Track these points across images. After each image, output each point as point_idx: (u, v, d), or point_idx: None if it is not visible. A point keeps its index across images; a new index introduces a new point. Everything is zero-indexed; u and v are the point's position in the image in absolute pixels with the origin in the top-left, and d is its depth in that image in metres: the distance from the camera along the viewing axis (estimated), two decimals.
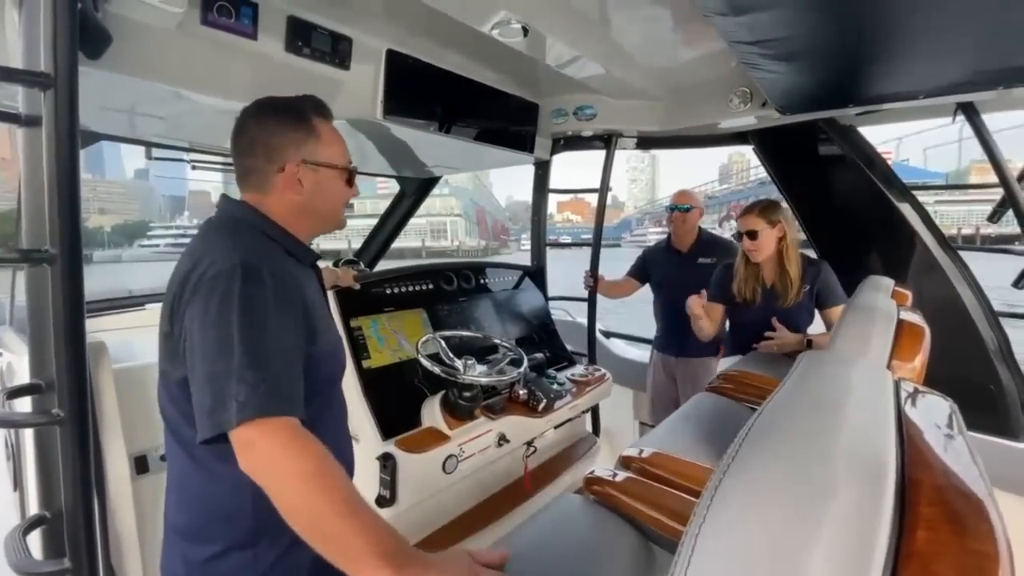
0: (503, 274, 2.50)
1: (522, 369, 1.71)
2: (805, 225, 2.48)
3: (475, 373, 1.55)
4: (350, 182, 1.02)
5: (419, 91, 1.76)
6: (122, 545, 1.22)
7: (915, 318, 0.83)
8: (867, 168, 2.17)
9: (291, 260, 0.93)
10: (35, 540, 0.96)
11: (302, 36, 1.41)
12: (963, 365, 1.88)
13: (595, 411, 2.60)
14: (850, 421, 0.38)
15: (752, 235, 1.99)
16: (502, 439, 1.73)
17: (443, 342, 1.71)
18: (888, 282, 1.44)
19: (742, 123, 2.23)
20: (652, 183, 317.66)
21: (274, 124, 0.92)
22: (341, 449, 1.01)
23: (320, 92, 1.57)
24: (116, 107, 1.63)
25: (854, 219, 2.31)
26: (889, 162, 2.28)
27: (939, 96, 1.61)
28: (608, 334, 3.59)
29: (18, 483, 1.24)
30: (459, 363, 1.57)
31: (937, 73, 1.47)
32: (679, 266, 2.56)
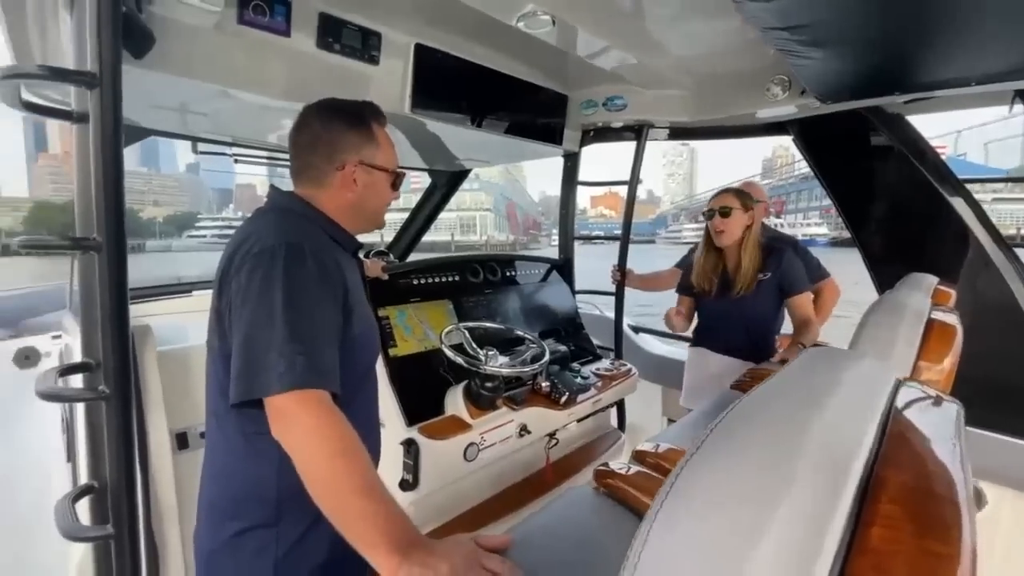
0: (530, 267, 2.51)
1: (543, 362, 1.71)
2: (848, 220, 2.37)
3: (496, 364, 1.57)
4: (395, 185, 1.09)
5: (446, 84, 1.78)
6: (163, 514, 1.31)
7: (948, 318, 0.78)
8: (916, 160, 2.05)
9: (335, 246, 0.99)
10: (83, 508, 1.04)
11: (333, 32, 1.45)
12: (1017, 367, 1.77)
13: (620, 406, 2.58)
14: (827, 416, 0.37)
15: (725, 212, 1.97)
16: (523, 430, 1.75)
17: (467, 333, 1.74)
18: (930, 280, 1.36)
19: (780, 112, 2.14)
20: (690, 177, 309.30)
21: (339, 125, 0.99)
22: (370, 433, 1.06)
23: (350, 86, 1.63)
24: (162, 104, 1.72)
25: (901, 214, 2.19)
26: (943, 156, 2.15)
27: (995, 83, 1.51)
28: (637, 329, 3.54)
29: (71, 455, 1.34)
30: (481, 354, 1.60)
31: (993, 57, 1.37)
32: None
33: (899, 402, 0.43)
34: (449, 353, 1.54)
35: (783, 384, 0.45)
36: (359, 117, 1.01)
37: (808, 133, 2.35)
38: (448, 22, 1.64)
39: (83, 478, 1.09)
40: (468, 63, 1.80)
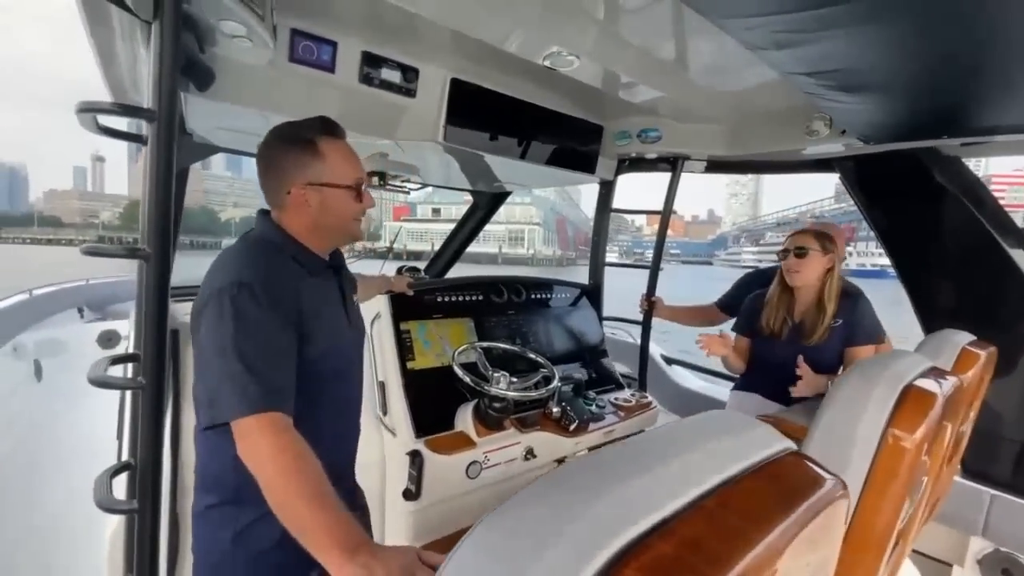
0: (558, 291, 2.54)
1: (552, 387, 1.74)
2: (897, 265, 2.24)
3: (502, 387, 1.61)
4: (359, 196, 1.08)
5: (480, 115, 1.87)
6: (186, 495, 1.45)
7: (928, 384, 0.75)
8: (974, 206, 1.92)
9: (300, 270, 1.04)
10: (121, 482, 1.18)
11: (374, 68, 1.58)
12: None
13: None
14: (673, 468, 0.39)
15: (801, 252, 1.85)
16: (529, 453, 1.78)
17: (483, 353, 1.80)
18: (960, 338, 1.27)
19: (824, 150, 2.08)
20: (755, 198, 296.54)
21: (280, 150, 1.03)
22: (336, 442, 1.13)
23: (389, 116, 1.76)
24: (227, 127, 1.92)
25: (952, 262, 2.05)
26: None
27: None
28: (671, 361, 3.47)
29: (119, 434, 1.51)
30: (492, 374, 1.65)
31: None
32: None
33: (773, 467, 0.43)
34: (458, 371, 1.60)
35: (669, 430, 0.47)
36: (301, 138, 1.02)
37: (856, 171, 2.26)
38: (483, 58, 1.73)
39: (125, 455, 1.24)
40: (502, 95, 1.89)
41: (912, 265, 2.21)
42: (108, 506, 1.16)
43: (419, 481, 1.59)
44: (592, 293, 2.70)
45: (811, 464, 0.45)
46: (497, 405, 1.66)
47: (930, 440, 0.72)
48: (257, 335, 0.91)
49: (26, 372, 3.09)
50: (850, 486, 0.70)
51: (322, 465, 0.86)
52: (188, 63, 1.25)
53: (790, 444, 0.47)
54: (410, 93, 1.69)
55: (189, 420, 1.46)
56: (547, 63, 1.50)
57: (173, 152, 1.11)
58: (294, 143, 1.03)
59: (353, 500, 1.22)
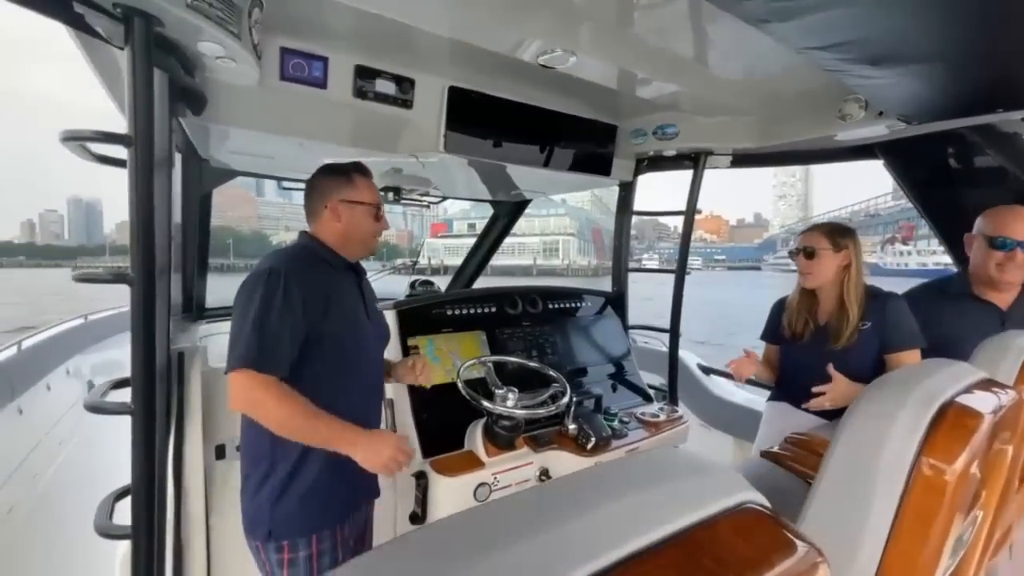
0: (580, 300, 2.44)
1: (563, 403, 1.63)
2: (957, 260, 2.00)
3: (509, 404, 1.52)
4: (378, 218, 1.41)
5: (482, 122, 1.82)
6: (191, 522, 1.44)
7: (973, 400, 0.61)
8: None
9: (328, 267, 1.34)
10: (125, 506, 1.18)
11: (368, 81, 1.56)
12: None
13: None
14: (600, 517, 0.32)
15: (809, 253, 1.72)
16: (544, 474, 1.67)
17: (492, 367, 1.72)
18: (1020, 345, 1.07)
19: (861, 134, 1.88)
20: (805, 199, 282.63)
21: (324, 178, 1.37)
22: (348, 411, 1.29)
23: (386, 129, 1.74)
24: (237, 151, 1.96)
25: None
26: None
27: None
28: (708, 371, 3.26)
29: None
30: (500, 391, 1.56)
31: None
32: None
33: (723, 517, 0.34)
34: (462, 388, 1.53)
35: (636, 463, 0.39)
36: (342, 171, 1.38)
37: (901, 157, 2.04)
38: (481, 64, 1.68)
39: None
40: (504, 101, 1.83)
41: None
42: (104, 531, 1.16)
43: (424, 504, 1.52)
44: (615, 301, 2.57)
45: (775, 524, 0.35)
46: (505, 423, 1.57)
47: (983, 467, 0.58)
48: (272, 311, 1.17)
49: (79, 392, 3.28)
50: (875, 527, 0.57)
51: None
52: (179, 87, 1.27)
53: (751, 497, 0.37)
54: (407, 104, 1.66)
55: (194, 444, 1.46)
56: (543, 61, 1.43)
57: (152, 176, 1.11)
58: (336, 173, 1.37)
59: (374, 482, 1.46)
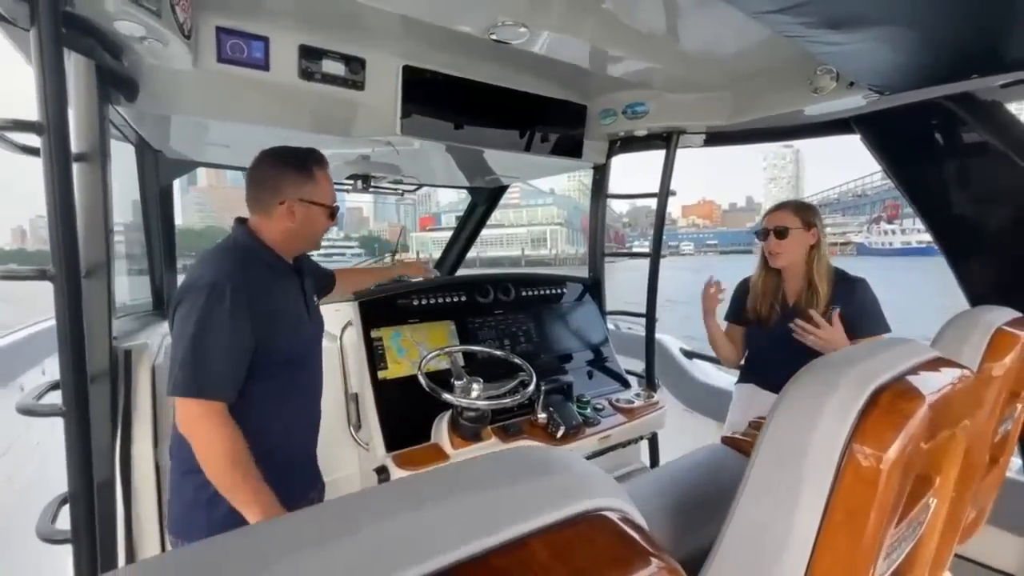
0: (554, 287, 2.38)
1: (530, 391, 1.58)
2: (934, 232, 1.96)
3: (473, 395, 1.47)
4: (332, 216, 1.31)
5: (440, 104, 1.74)
6: (142, 523, 1.39)
7: (916, 382, 0.56)
8: (1020, 157, 1.64)
9: (270, 274, 1.23)
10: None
11: (313, 62, 1.48)
12: None
13: (653, 442, 2.34)
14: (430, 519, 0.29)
15: (780, 232, 1.68)
16: None
17: (457, 358, 1.67)
18: (994, 316, 1.03)
19: (833, 108, 1.82)
20: (796, 181, 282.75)
21: (278, 168, 1.23)
22: (297, 420, 1.30)
23: (337, 113, 1.66)
24: (190, 140, 1.88)
25: (1001, 227, 1.76)
26: None
27: None
28: (691, 355, 3.23)
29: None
30: (455, 382, 1.51)
31: None
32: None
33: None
34: (423, 380, 1.48)
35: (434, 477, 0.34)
36: (300, 162, 1.25)
37: (877, 131, 1.99)
38: (436, 41, 1.60)
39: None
40: (464, 80, 1.75)
41: (953, 234, 1.92)
42: (46, 536, 1.11)
43: None
44: (592, 287, 2.52)
45: (625, 534, 0.30)
46: (471, 414, 1.53)
47: (933, 451, 0.54)
48: (219, 332, 1.09)
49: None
50: (803, 523, 0.53)
51: (284, 441, 1.23)
52: (107, 73, 1.19)
53: (611, 503, 0.32)
54: (357, 86, 1.58)
55: (142, 444, 1.40)
56: (505, 39, 1.35)
57: (70, 165, 1.04)
58: (293, 165, 1.24)
59: (314, 483, 1.41)
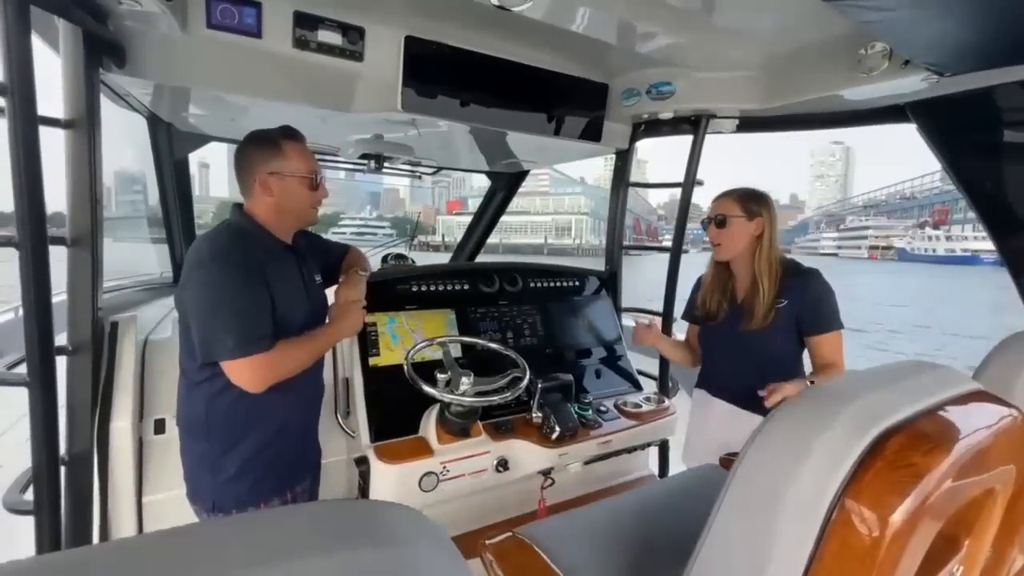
0: (567, 279, 2.26)
1: (522, 388, 1.48)
2: (994, 234, 1.73)
3: (461, 390, 1.38)
4: (314, 187, 1.29)
5: (445, 78, 1.63)
6: (118, 496, 1.37)
7: (940, 423, 0.43)
8: None
9: (264, 253, 1.24)
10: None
11: (309, 30, 1.40)
12: None
13: (664, 449, 2.21)
14: None
15: (720, 222, 1.57)
16: (501, 465, 1.54)
17: (450, 349, 1.58)
18: None
19: (883, 91, 1.61)
20: (844, 179, 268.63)
21: (250, 148, 1.26)
22: (299, 397, 1.34)
23: (334, 85, 1.57)
24: (196, 113, 1.84)
25: None
26: None
27: None
28: None
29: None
30: (442, 376, 1.42)
31: None
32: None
33: None
34: (407, 370, 1.40)
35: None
36: (268, 139, 1.25)
37: (935, 118, 1.76)
38: (442, 10, 1.50)
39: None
40: (471, 53, 1.63)
41: (1019, 241, 1.70)
42: (12, 506, 1.10)
43: (365, 492, 1.41)
44: (608, 281, 2.38)
45: None
46: (457, 409, 1.44)
47: (956, 509, 0.41)
48: (241, 291, 1.15)
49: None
50: None
51: (289, 418, 1.30)
52: (94, 39, 1.14)
53: None
54: (356, 56, 1.49)
55: (122, 418, 1.38)
56: (496, 2, 1.23)
57: (36, 129, 0.99)
58: (260, 142, 1.25)
59: (315, 460, 1.46)
